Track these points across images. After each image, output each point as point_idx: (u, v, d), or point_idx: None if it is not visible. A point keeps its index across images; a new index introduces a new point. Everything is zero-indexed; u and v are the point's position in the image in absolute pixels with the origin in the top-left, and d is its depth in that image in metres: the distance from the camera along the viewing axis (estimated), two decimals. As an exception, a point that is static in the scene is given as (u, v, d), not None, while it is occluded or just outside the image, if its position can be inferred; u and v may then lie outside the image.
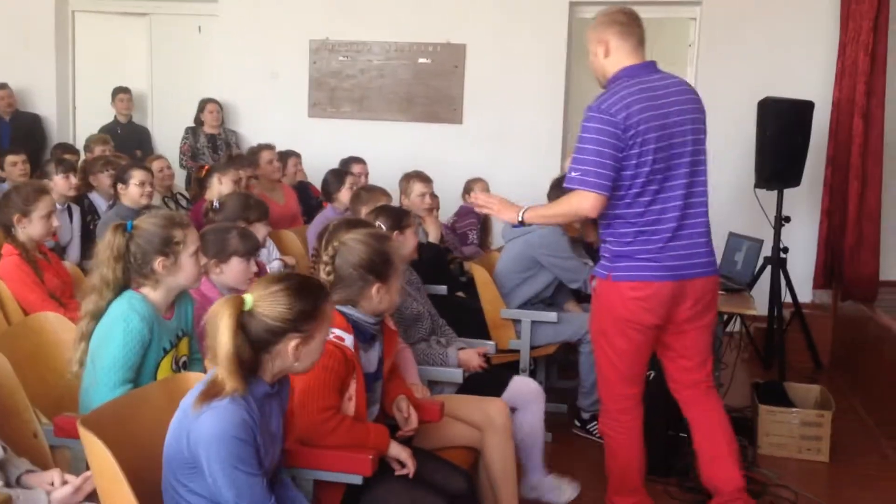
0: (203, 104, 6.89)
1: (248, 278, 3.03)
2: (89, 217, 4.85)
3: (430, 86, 6.94)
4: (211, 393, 1.85)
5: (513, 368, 3.94)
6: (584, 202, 2.81)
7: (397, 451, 2.38)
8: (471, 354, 3.32)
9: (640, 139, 2.76)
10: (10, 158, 5.34)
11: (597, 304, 3.04)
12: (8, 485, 2.01)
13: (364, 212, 4.05)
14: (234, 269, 3.01)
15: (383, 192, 4.30)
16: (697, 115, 2.92)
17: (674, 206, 2.85)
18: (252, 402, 1.89)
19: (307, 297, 1.96)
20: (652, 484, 3.36)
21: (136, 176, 4.53)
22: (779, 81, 5.86)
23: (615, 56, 2.90)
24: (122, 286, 2.47)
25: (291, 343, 1.93)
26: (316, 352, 2.02)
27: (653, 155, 2.78)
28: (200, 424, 1.83)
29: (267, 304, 1.91)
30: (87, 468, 1.99)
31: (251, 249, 3.09)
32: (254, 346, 1.90)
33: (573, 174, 2.81)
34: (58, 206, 4.11)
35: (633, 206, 2.84)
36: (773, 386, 4.33)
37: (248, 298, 1.91)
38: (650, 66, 2.91)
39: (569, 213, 2.97)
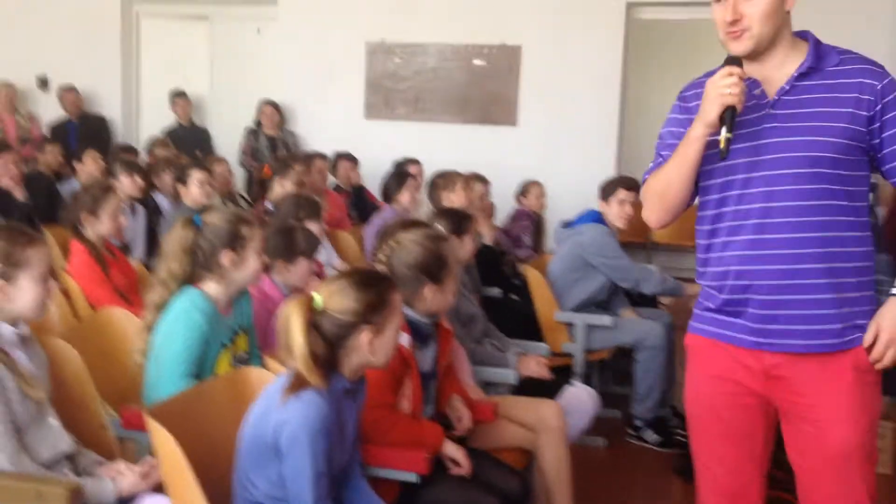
0: (261, 106, 7.00)
1: (310, 277, 3.12)
2: (154, 217, 4.98)
3: (484, 88, 6.94)
4: (298, 385, 1.90)
5: (566, 372, 3.93)
6: None
7: (452, 450, 2.39)
8: (532, 361, 3.31)
9: None
10: (91, 153, 5.62)
11: None
12: (77, 475, 2.08)
13: (444, 197, 4.16)
14: (300, 269, 3.10)
15: (460, 176, 4.49)
16: None
17: None
18: (332, 398, 1.94)
19: (373, 288, 2.00)
20: None
21: (196, 176, 4.65)
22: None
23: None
24: (187, 279, 2.52)
25: (364, 336, 1.96)
26: (390, 343, 2.04)
27: None
28: (287, 412, 1.88)
29: (335, 300, 1.96)
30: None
31: (314, 248, 3.19)
32: (328, 343, 1.94)
33: None
34: (123, 205, 4.23)
35: None
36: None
37: (318, 297, 1.96)
38: None
39: None
